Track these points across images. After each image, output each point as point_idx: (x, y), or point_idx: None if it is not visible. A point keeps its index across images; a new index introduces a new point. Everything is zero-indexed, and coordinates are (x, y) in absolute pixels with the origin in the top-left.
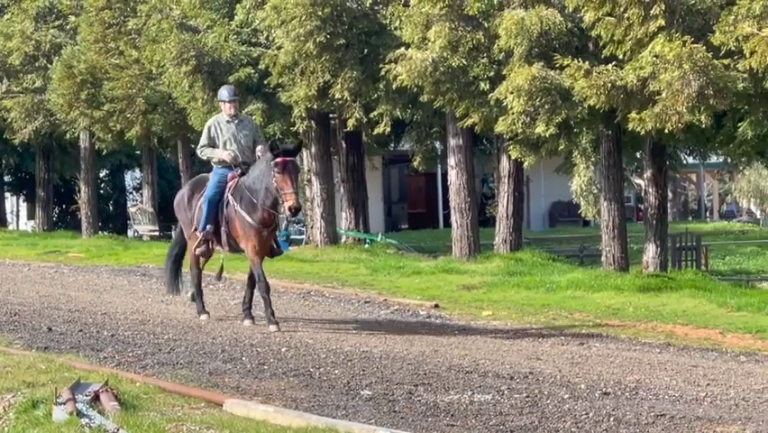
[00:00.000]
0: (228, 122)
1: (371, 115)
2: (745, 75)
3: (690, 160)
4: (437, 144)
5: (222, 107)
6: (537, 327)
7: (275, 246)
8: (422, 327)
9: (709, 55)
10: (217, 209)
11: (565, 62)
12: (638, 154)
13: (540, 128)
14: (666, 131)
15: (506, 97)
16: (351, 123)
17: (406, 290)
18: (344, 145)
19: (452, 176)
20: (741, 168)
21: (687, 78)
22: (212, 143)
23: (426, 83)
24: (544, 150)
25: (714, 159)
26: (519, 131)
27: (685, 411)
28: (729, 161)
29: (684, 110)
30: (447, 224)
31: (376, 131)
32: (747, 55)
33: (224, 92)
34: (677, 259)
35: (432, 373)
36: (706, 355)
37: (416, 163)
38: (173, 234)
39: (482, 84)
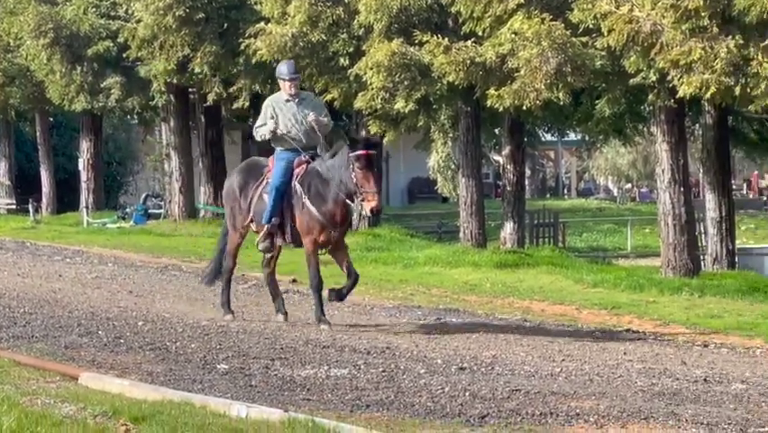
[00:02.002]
0: (287, 101)
1: (231, 90)
2: (603, 53)
3: (549, 137)
4: None
5: (281, 86)
6: (395, 302)
7: None
8: None
9: (568, 33)
10: (283, 199)
11: (425, 38)
12: (497, 131)
13: (399, 104)
14: (524, 108)
15: (365, 73)
16: (210, 97)
17: None
18: (203, 120)
19: None
20: (598, 145)
21: (545, 55)
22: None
23: (286, 58)
24: (403, 126)
25: (572, 136)
26: (379, 106)
27: (540, 386)
28: (587, 138)
29: (542, 87)
30: None
31: (235, 105)
32: (605, 33)
33: (283, 68)
34: (534, 236)
35: (289, 347)
36: (562, 331)
37: None
38: (30, 207)
39: (342, 59)
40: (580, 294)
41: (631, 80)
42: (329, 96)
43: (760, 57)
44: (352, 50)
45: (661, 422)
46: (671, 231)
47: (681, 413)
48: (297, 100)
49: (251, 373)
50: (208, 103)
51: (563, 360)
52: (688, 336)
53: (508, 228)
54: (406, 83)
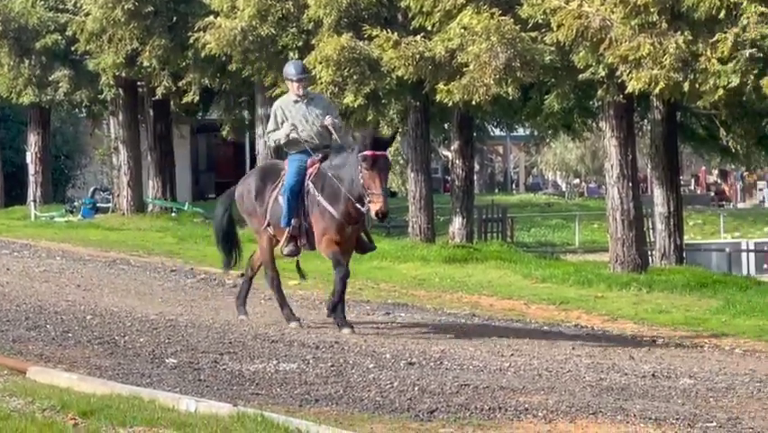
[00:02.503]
0: (296, 102)
1: (180, 84)
2: (552, 48)
3: (497, 132)
4: (246, 114)
5: (289, 86)
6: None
7: (366, 240)
8: (228, 296)
9: (517, 28)
10: (299, 200)
11: (374, 33)
12: (446, 126)
13: (348, 98)
14: (474, 102)
15: (314, 67)
16: (159, 91)
17: (212, 258)
18: (152, 113)
19: (261, 146)
20: (547, 140)
21: (495, 50)
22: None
23: (235, 52)
24: (352, 120)
25: (521, 131)
26: None
27: (489, 381)
28: (536, 133)
29: (492, 82)
30: None
31: (184, 99)
32: (555, 28)
33: (290, 69)
34: (483, 230)
35: (237, 341)
36: (510, 326)
37: (224, 132)
38: None
39: (291, 54)
40: (528, 289)
41: (580, 75)
42: (278, 91)
43: (708, 53)
44: (301, 44)
45: (609, 417)
46: (619, 226)
47: (630, 408)
48: (305, 101)
49: (199, 368)
50: (157, 97)
51: (512, 355)
52: (636, 331)
53: (457, 223)
54: (355, 77)
